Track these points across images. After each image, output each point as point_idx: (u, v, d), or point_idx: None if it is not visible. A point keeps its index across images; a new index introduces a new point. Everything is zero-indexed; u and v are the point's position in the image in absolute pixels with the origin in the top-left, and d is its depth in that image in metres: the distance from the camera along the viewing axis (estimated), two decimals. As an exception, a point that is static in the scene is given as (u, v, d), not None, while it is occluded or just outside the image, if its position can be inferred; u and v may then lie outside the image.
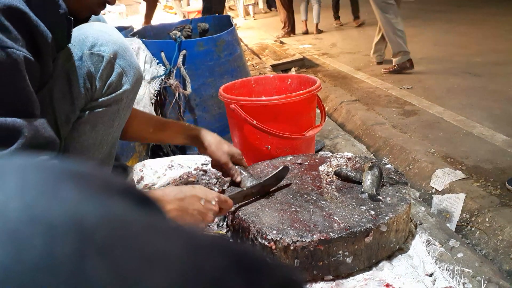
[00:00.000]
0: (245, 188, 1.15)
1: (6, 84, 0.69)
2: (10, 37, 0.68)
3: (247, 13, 10.44)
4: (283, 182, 1.22)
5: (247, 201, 1.14)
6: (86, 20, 0.96)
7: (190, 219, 0.89)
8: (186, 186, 0.96)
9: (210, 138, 1.25)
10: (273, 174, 1.17)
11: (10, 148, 0.69)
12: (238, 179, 1.23)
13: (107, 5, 0.94)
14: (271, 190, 1.19)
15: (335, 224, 1.00)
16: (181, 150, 1.96)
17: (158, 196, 0.89)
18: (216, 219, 1.25)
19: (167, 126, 1.28)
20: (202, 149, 1.27)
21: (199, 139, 1.25)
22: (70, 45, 0.91)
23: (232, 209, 1.10)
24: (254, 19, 10.26)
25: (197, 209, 0.91)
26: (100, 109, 0.98)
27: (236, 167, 1.27)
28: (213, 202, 0.95)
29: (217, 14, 2.61)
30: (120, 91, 0.99)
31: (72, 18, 0.83)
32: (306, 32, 6.70)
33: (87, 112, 0.98)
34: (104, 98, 0.98)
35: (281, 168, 1.18)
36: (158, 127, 1.26)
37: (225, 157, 1.24)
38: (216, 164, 1.28)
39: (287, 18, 6.59)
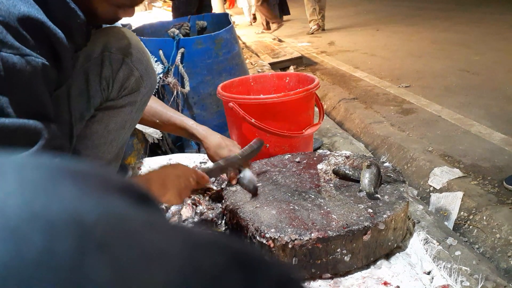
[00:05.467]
0: (221, 163, 1.20)
1: (25, 90, 0.72)
2: (28, 45, 0.70)
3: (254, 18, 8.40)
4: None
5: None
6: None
7: (170, 195, 0.97)
8: (167, 166, 1.06)
9: (209, 141, 1.26)
10: (248, 146, 1.23)
11: (31, 149, 0.71)
12: (233, 182, 1.24)
13: None
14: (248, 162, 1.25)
15: (333, 222, 1.00)
16: (180, 148, 1.96)
17: (143, 181, 0.96)
18: (212, 216, 1.25)
19: (172, 121, 1.30)
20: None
21: (200, 140, 1.27)
22: (90, 45, 0.93)
23: (209, 184, 1.20)
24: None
25: (176, 186, 1.00)
26: (114, 110, 1.02)
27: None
28: (191, 179, 1.04)
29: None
30: (135, 93, 1.03)
31: (91, 26, 0.87)
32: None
33: (101, 111, 1.00)
34: (119, 99, 1.01)
35: (254, 140, 1.24)
36: (163, 121, 1.29)
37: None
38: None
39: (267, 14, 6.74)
